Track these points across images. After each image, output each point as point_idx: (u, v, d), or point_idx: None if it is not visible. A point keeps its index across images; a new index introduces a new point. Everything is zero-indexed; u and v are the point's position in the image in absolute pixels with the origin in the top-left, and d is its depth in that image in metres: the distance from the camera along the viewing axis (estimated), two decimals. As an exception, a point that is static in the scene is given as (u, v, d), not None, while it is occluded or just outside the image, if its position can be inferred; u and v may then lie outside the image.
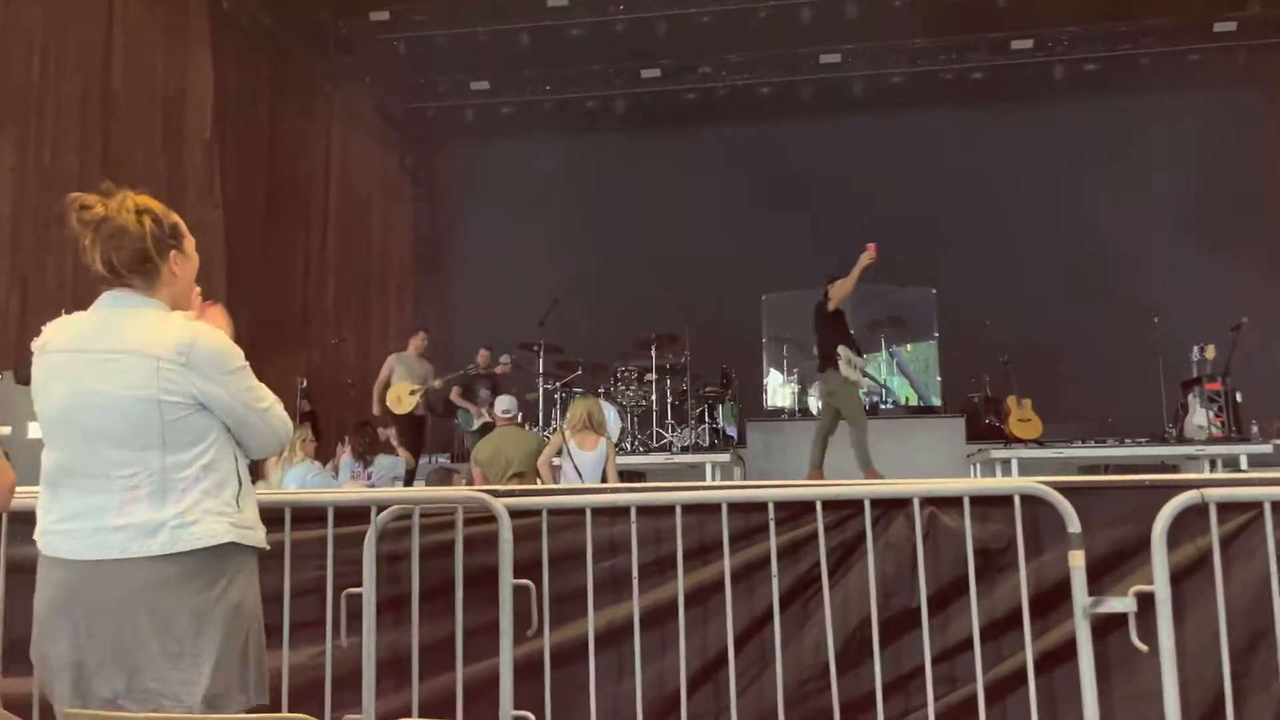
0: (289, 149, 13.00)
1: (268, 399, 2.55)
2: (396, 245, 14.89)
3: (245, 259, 11.35)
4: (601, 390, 10.44)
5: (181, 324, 2.48)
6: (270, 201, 12.49)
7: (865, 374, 9.00)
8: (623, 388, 10.54)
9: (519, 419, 8.75)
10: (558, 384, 10.46)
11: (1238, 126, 13.13)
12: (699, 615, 3.55)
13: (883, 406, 11.89)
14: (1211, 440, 9.79)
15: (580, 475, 7.09)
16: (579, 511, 3.60)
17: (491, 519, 3.50)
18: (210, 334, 2.49)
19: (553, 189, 13.73)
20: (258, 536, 2.53)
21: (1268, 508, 3.26)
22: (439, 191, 15.34)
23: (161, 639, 2.35)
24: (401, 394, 10.02)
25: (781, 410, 12.24)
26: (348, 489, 7.20)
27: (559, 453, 7.31)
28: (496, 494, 3.58)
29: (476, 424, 10.70)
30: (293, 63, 12.91)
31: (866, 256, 8.19)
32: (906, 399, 12.41)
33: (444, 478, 8.06)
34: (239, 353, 2.51)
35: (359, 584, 3.47)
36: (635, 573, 3.52)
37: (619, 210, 13.69)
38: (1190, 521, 3.29)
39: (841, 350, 8.45)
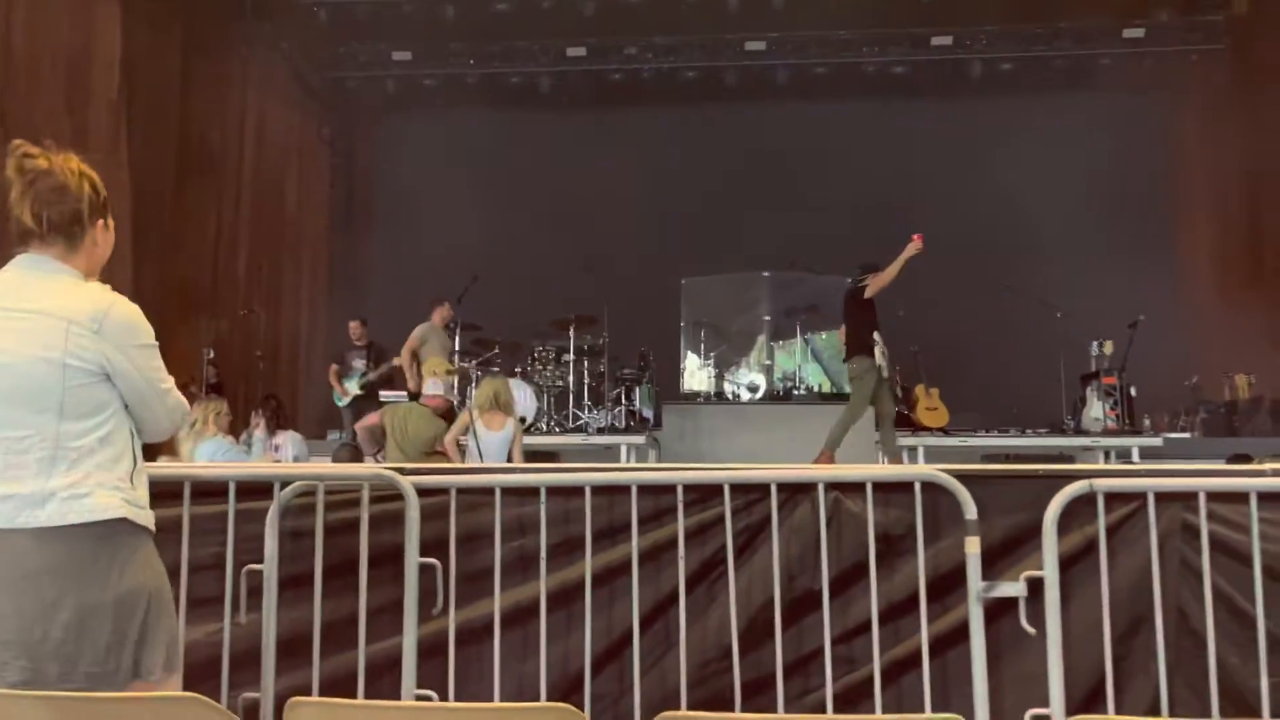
0: (201, 113, 12.60)
1: (169, 381, 2.51)
2: (312, 216, 14.58)
3: (152, 222, 10.99)
4: (518, 370, 10.38)
5: (99, 291, 2.43)
6: (180, 165, 12.09)
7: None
8: (540, 367, 10.50)
9: (448, 404, 8.63)
10: (474, 362, 10.36)
11: (1144, 130, 13.61)
12: (606, 596, 3.57)
13: (795, 393, 12.06)
14: (1106, 432, 10.17)
15: (482, 456, 7.06)
16: (488, 491, 3.58)
17: (398, 497, 3.46)
18: (126, 305, 2.43)
19: (475, 165, 13.59)
20: (148, 517, 2.46)
21: (1151, 499, 3.39)
22: (357, 163, 15.06)
23: (44, 624, 2.27)
24: (438, 368, 9.82)
25: (698, 394, 12.33)
26: (251, 465, 7.05)
27: (465, 431, 7.26)
28: (404, 472, 3.54)
29: (344, 401, 10.52)
30: (207, 25, 12.49)
31: (913, 247, 8.21)
32: (819, 385, 12.60)
33: (351, 455, 7.94)
34: (151, 330, 2.46)
35: (260, 560, 3.40)
36: (544, 553, 3.52)
37: (541, 189, 13.61)
38: (1080, 510, 3.40)
39: (878, 337, 8.52)
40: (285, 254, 14.06)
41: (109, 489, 2.35)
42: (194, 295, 11.91)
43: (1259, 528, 3.32)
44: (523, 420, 9.47)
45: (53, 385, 2.31)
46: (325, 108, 14.49)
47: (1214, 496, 3.39)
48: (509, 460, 7.21)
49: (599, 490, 3.59)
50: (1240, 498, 3.37)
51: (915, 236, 8.33)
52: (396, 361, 10.40)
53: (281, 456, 8.05)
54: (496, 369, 10.22)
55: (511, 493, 3.60)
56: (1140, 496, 3.42)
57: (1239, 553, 3.37)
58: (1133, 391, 10.90)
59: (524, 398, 9.95)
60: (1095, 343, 10.78)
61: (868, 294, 8.61)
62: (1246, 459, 7.06)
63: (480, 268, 10.89)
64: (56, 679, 2.28)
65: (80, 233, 2.45)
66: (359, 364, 10.21)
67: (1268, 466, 3.71)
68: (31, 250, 2.43)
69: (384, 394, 10.31)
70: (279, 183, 14.07)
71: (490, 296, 11.20)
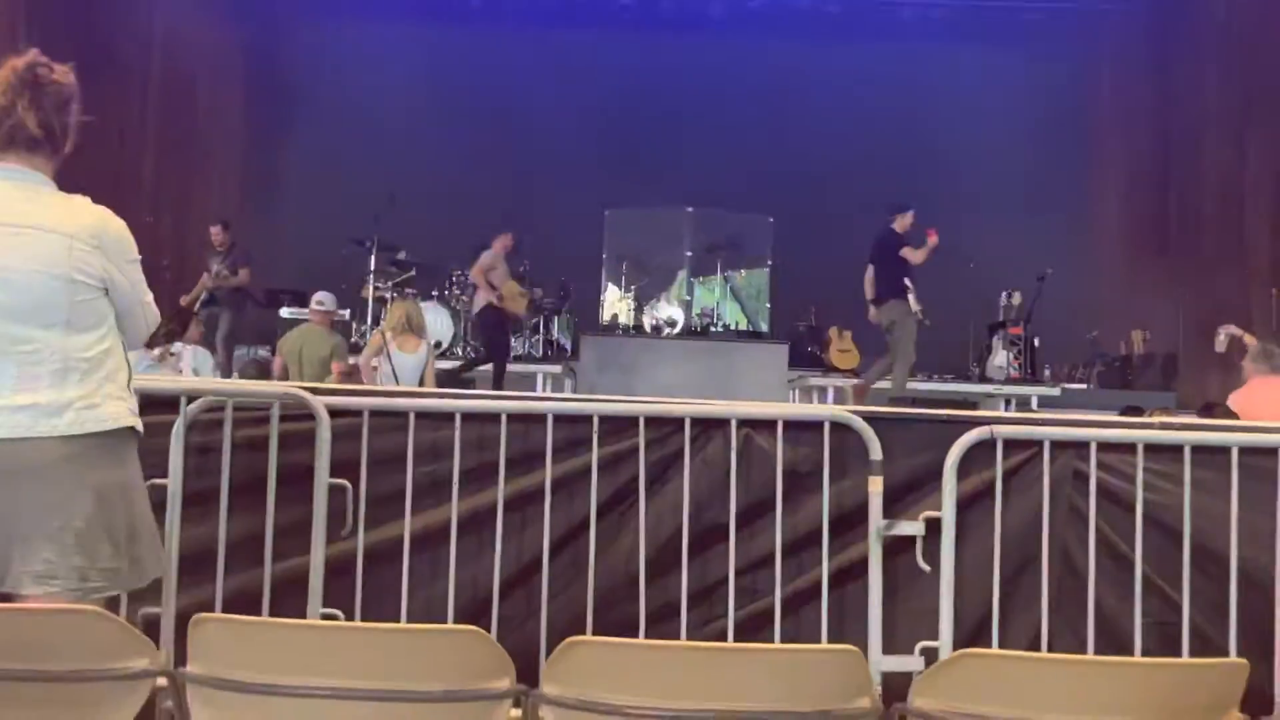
0: (106, 12, 11.93)
1: (150, 295, 2.63)
2: (223, 127, 14.01)
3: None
4: (435, 294, 10.26)
5: (90, 206, 2.51)
6: (83, 65, 11.44)
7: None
8: (458, 293, 10.39)
9: (334, 316, 8.50)
10: (389, 284, 10.20)
11: (1064, 88, 13.84)
12: (517, 522, 3.59)
13: (713, 329, 12.17)
14: (1009, 381, 10.53)
15: (397, 378, 7.01)
16: (401, 414, 3.55)
17: (309, 416, 3.42)
18: (118, 220, 2.53)
19: (399, 79, 13.19)
20: (140, 423, 2.60)
21: (1046, 446, 3.53)
22: (276, 74, 14.45)
23: (64, 516, 2.37)
24: (513, 292, 9.71)
25: (617, 326, 12.36)
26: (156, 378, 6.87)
27: (379, 353, 7.19)
28: (317, 392, 3.49)
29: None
30: (114, -86, 11.78)
31: (933, 242, 8.60)
32: (736, 323, 12.75)
33: (259, 371, 7.81)
34: (135, 244, 2.57)
35: (164, 475, 3.34)
36: (456, 478, 3.52)
37: (468, 108, 13.29)
38: (980, 455, 3.53)
39: (908, 283, 8.66)
40: (194, 166, 13.52)
41: (116, 399, 2.48)
42: (96, 199, 11.41)
43: (1143, 477, 3.50)
44: (437, 344, 9.39)
45: (60, 300, 2.38)
46: (242, 14, 13.86)
47: (1104, 446, 3.55)
48: (421, 384, 7.16)
49: (515, 418, 3.59)
50: (1129, 448, 3.53)
51: (930, 234, 8.51)
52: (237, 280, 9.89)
53: (181, 369, 7.87)
54: (413, 292, 10.08)
55: (425, 417, 3.58)
56: (1036, 444, 3.56)
57: (1123, 500, 3.54)
58: (1036, 342, 11.27)
59: (441, 323, 9.86)
60: (1004, 293, 11.09)
61: (902, 251, 8.66)
62: (1138, 411, 7.38)
63: (400, 187, 10.67)
64: (77, 575, 2.38)
65: (65, 146, 2.53)
66: (216, 267, 9.80)
67: (1155, 419, 3.88)
68: (9, 161, 2.43)
69: (286, 311, 10.11)
70: (189, 91, 13.47)
71: (409, 217, 11.02)
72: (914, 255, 8.73)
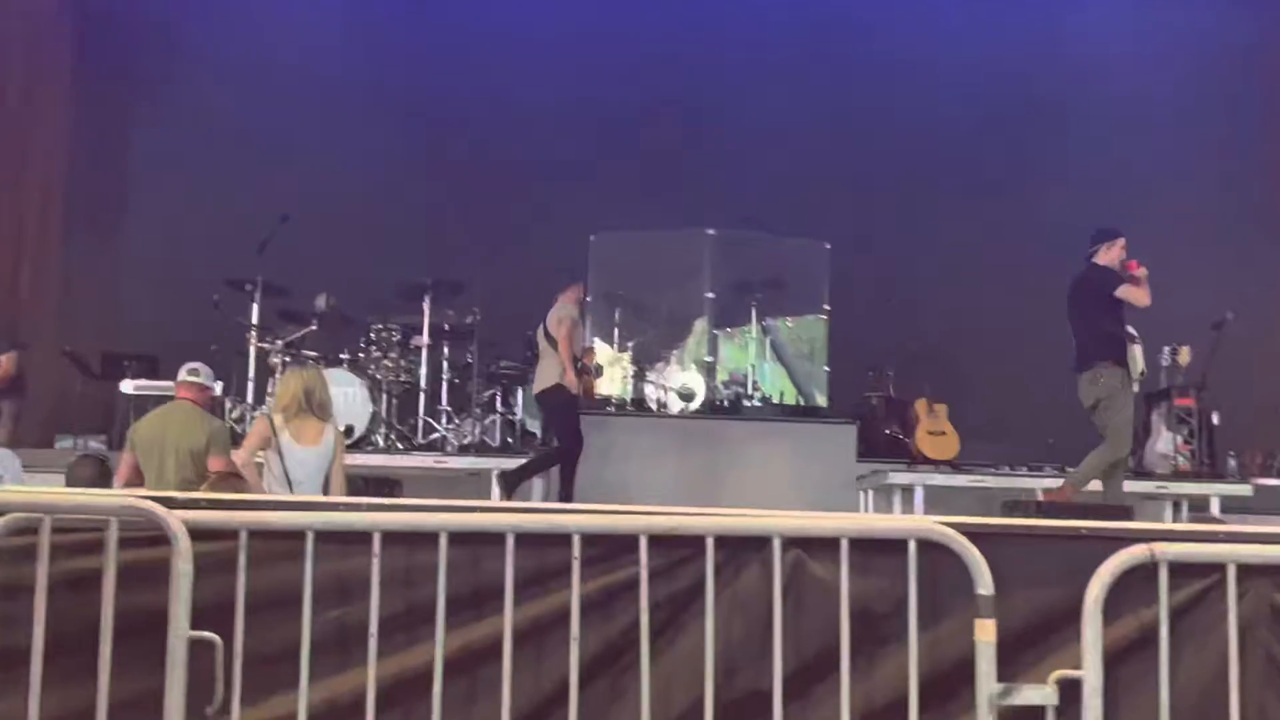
0: None
1: None
2: (47, 137, 14.12)
3: None
4: (345, 357, 10.29)
5: None
6: None
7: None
8: (378, 355, 10.42)
9: (211, 394, 8.52)
10: (279, 343, 10.22)
11: (1258, 47, 13.92)
12: (463, 692, 3.57)
13: (747, 404, 12.18)
14: (1177, 475, 10.49)
15: (290, 481, 7.00)
16: (296, 535, 3.55)
17: (162, 540, 3.41)
18: None
19: (296, 54, 13.40)
20: None
21: (1232, 572, 3.51)
22: (120, 64, 14.61)
23: None
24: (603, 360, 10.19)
25: (608, 400, 12.37)
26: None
27: (266, 446, 7.19)
28: (171, 503, 3.49)
29: None
30: None
31: (1144, 275, 8.70)
32: (781, 395, 12.75)
33: (95, 472, 7.79)
34: None
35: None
36: (374, 628, 3.50)
37: (392, 103, 13.47)
38: (1136, 586, 3.52)
39: (1129, 329, 8.73)
40: (5, 190, 13.61)
41: None
42: None
43: (1375, 616, 3.49)
44: (348, 431, 9.40)
45: None
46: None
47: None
48: (326, 489, 7.16)
49: (460, 538, 3.58)
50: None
51: (1133, 265, 8.60)
52: None
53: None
54: (312, 356, 10.11)
55: (331, 538, 3.58)
56: (1218, 569, 3.54)
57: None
58: (1215, 418, 11.23)
59: (347, 398, 9.88)
60: (1166, 349, 11.07)
61: (1118, 293, 8.71)
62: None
63: (294, 206, 10.77)
64: None
65: None
66: None
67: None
68: None
69: (130, 385, 10.14)
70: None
71: (307, 249, 11.09)
72: (1137, 295, 8.76)
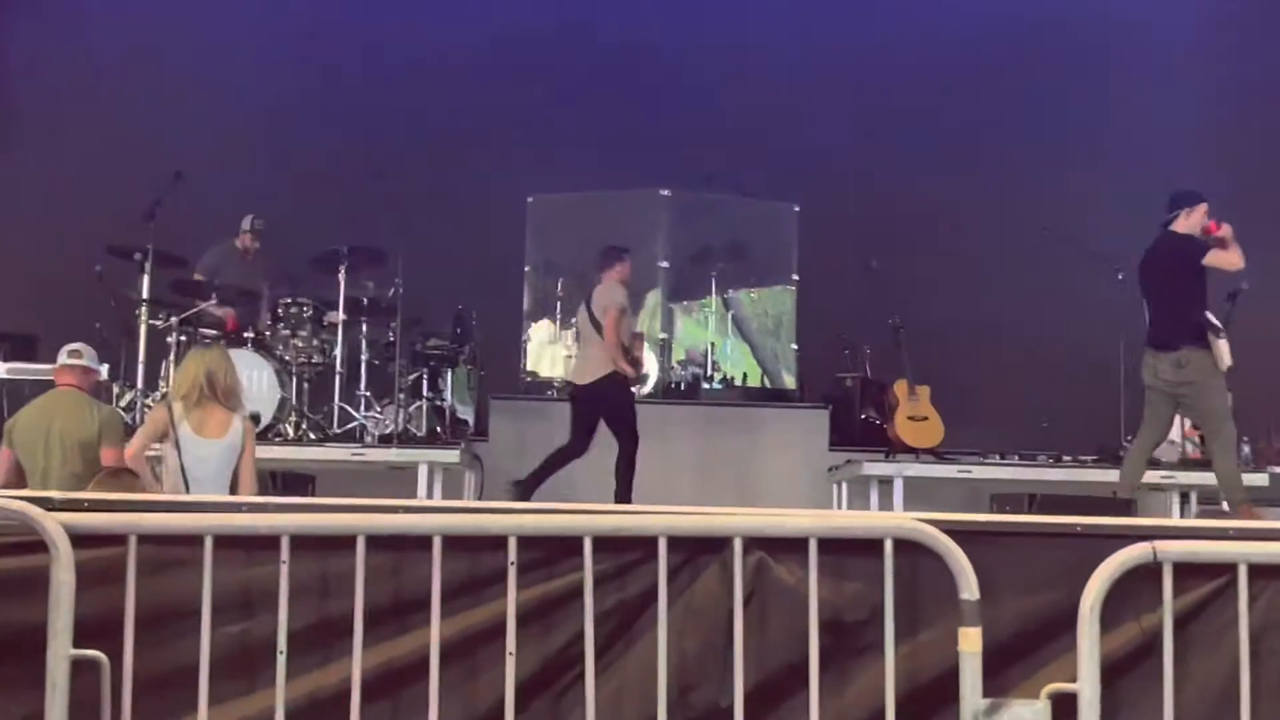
0: None
1: None
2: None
3: None
4: (249, 336, 10.21)
5: None
6: None
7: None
8: (286, 333, 10.35)
9: (96, 378, 8.45)
10: (174, 319, 10.13)
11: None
12: (385, 716, 3.58)
13: (706, 386, 12.20)
14: (1185, 463, 10.58)
15: (187, 479, 6.97)
16: (193, 539, 3.53)
17: (39, 546, 3.40)
18: None
19: (190, 2, 13.30)
20: None
21: (1243, 573, 3.56)
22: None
23: None
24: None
25: (549, 383, 12.36)
26: None
27: (163, 438, 7.14)
28: (49, 504, 3.46)
29: None
30: None
31: (1227, 235, 8.70)
32: (744, 376, 12.78)
33: None
34: None
35: None
36: (283, 644, 3.50)
37: (301, 46, 13.36)
38: (1138, 588, 3.56)
39: (1212, 319, 8.69)
40: None
41: None
42: None
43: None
44: (255, 418, 9.34)
45: None
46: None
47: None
48: (234, 487, 7.12)
49: (380, 542, 3.57)
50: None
51: (1214, 226, 8.63)
52: None
53: None
54: (212, 336, 10.03)
55: (235, 544, 3.57)
56: (1228, 569, 3.59)
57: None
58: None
59: (254, 383, 9.81)
60: (1174, 325, 11.15)
61: (1206, 259, 8.70)
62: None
63: (190, 164, 10.66)
64: None
65: None
66: None
67: None
68: None
69: (2, 369, 10.04)
70: None
71: (205, 212, 10.98)
72: (1227, 259, 8.73)
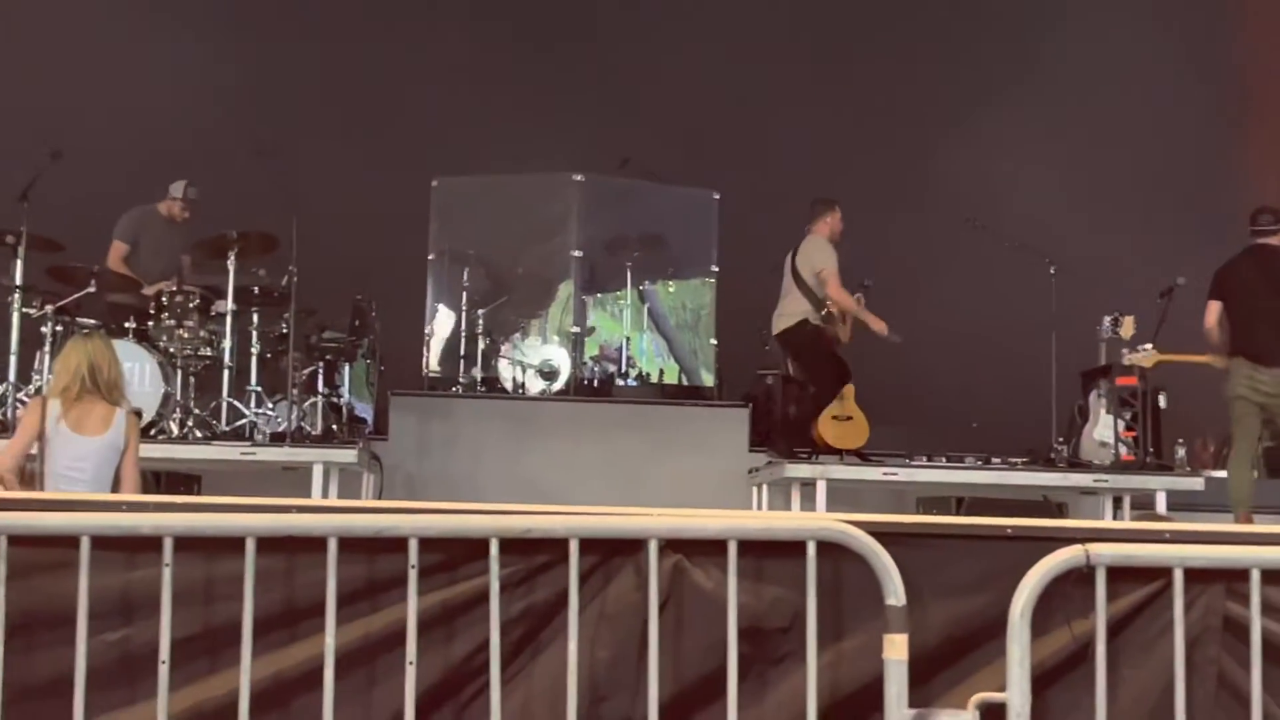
0: None
1: None
2: None
3: None
4: (130, 325, 10.10)
5: None
6: None
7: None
8: (171, 323, 10.22)
9: None
10: (48, 308, 9.99)
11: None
12: (275, 727, 3.54)
13: (620, 383, 12.21)
14: (1119, 466, 10.72)
15: (66, 479, 6.89)
16: (68, 541, 3.48)
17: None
18: None
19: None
20: None
21: (1179, 578, 3.60)
22: None
23: None
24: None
25: (453, 380, 12.31)
26: None
27: (40, 435, 7.05)
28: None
29: None
30: None
31: None
32: (661, 372, 12.81)
33: None
34: None
35: None
36: (165, 653, 3.46)
37: (186, 16, 13.25)
38: (1070, 593, 3.59)
39: None
40: None
41: None
42: None
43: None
44: (137, 415, 9.24)
45: None
46: None
47: (1276, 576, 3.64)
48: (116, 485, 7.05)
49: (272, 545, 3.54)
50: (1315, 579, 3.63)
51: None
52: None
53: None
54: (91, 325, 9.90)
55: (112, 545, 3.52)
56: (1163, 574, 3.63)
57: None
58: (1162, 401, 11.50)
59: (139, 376, 9.72)
60: (1107, 319, 11.29)
61: None
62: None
63: (67, 141, 10.51)
64: None
65: None
66: None
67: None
68: None
69: None
70: None
71: (83, 193, 10.84)
72: None
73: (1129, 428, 10.97)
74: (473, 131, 12.85)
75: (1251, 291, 9.46)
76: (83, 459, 6.96)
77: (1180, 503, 10.48)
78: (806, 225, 10.80)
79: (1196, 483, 10.66)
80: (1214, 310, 9.64)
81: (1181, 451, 12.06)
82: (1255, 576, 3.60)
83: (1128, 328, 10.94)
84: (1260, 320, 9.42)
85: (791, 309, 10.60)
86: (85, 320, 9.99)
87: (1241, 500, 9.42)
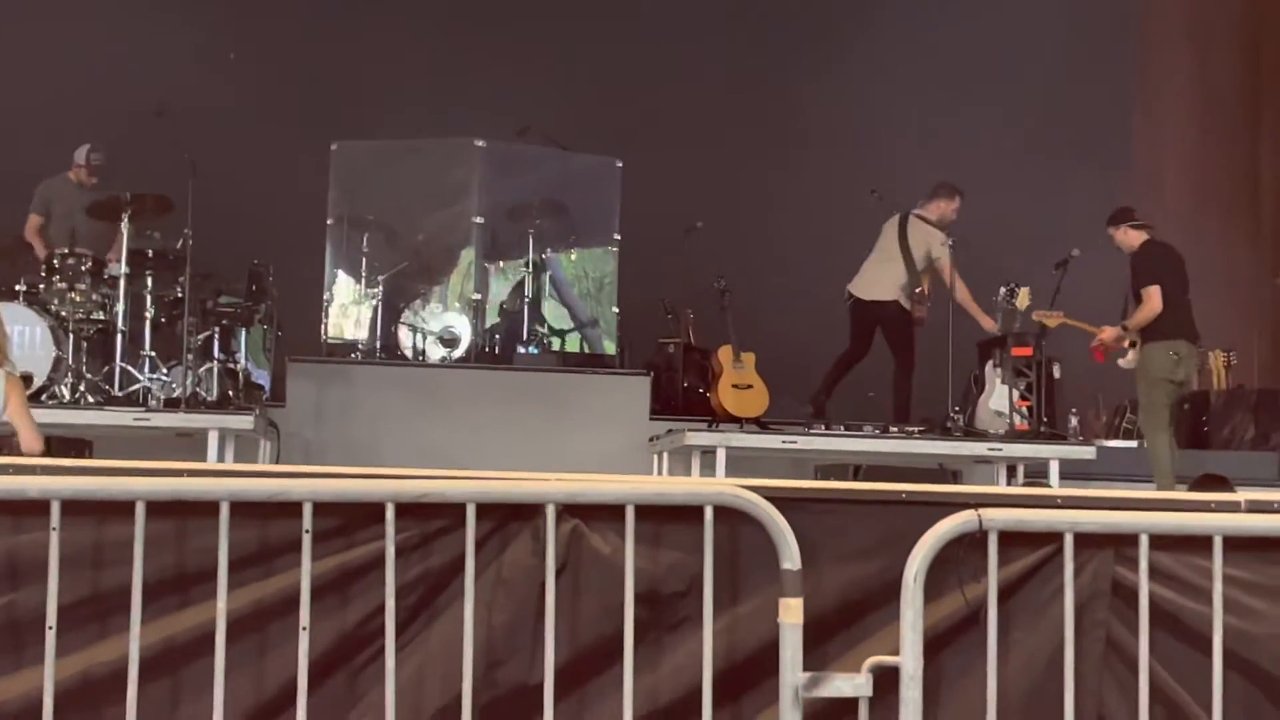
0: None
1: None
2: None
3: None
4: (20, 287, 9.95)
5: None
6: None
7: None
8: (62, 286, 10.08)
9: None
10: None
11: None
12: (165, 696, 3.53)
13: (521, 351, 12.18)
14: (1013, 435, 10.85)
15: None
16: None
17: None
18: None
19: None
20: None
21: (1069, 543, 3.65)
22: None
23: None
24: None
25: (352, 345, 12.23)
26: None
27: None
28: None
29: None
30: None
31: None
32: (562, 340, 12.78)
33: None
34: None
35: None
36: (53, 619, 3.41)
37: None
38: (963, 558, 3.63)
39: None
40: None
41: None
42: None
43: (1227, 592, 3.66)
44: (27, 379, 9.11)
45: None
46: None
47: (1164, 542, 3.70)
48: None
49: (161, 509, 3.49)
50: (1202, 543, 3.68)
51: None
52: None
53: None
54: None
55: (-3, 508, 3.46)
56: (1054, 538, 3.68)
57: (1194, 630, 3.70)
58: (1056, 371, 11.64)
59: (29, 340, 9.59)
60: (1003, 289, 11.40)
61: None
62: (1220, 482, 7.69)
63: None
64: None
65: None
66: None
67: (1242, 497, 4.04)
68: None
69: None
70: None
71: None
72: None
73: (1023, 397, 11.09)
74: (374, 95, 12.73)
75: (1180, 276, 9.74)
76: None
77: (1073, 471, 10.62)
78: (923, 202, 11.17)
79: (1089, 452, 10.81)
80: (1158, 293, 9.92)
81: (1074, 421, 12.22)
82: (1144, 541, 3.66)
83: (1023, 298, 11.06)
84: (1185, 302, 9.76)
85: (888, 282, 11.07)
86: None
87: (1166, 472, 9.61)
